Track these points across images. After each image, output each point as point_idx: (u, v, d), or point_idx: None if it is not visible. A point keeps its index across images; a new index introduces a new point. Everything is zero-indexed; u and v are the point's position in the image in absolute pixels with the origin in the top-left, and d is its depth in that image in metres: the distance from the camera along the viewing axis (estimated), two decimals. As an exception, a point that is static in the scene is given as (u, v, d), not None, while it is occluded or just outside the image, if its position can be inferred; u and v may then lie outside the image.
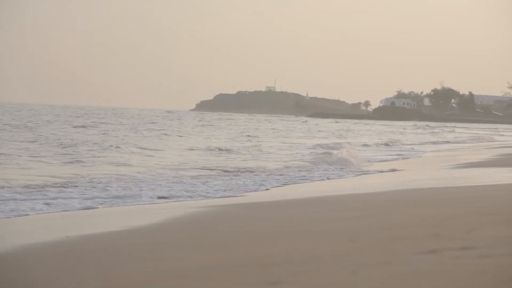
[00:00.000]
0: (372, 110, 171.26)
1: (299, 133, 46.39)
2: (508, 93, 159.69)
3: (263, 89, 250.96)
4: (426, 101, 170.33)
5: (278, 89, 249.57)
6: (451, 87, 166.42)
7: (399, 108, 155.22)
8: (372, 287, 2.97)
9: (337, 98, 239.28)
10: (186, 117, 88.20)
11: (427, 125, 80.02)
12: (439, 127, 70.34)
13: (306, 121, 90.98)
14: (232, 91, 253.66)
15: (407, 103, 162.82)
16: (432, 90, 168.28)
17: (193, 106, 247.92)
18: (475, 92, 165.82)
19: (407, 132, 54.86)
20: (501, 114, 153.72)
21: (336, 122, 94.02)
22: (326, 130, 54.80)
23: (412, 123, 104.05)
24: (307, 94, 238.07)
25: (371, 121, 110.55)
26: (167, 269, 3.84)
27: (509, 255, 3.43)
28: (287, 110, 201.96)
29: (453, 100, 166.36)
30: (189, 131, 41.14)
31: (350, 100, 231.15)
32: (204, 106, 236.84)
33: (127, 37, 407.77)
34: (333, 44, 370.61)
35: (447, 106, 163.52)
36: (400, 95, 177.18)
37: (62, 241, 5.69)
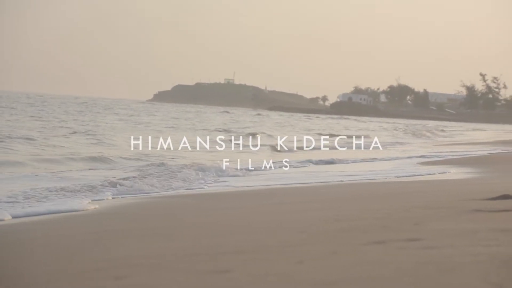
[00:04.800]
0: (330, 105, 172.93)
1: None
2: (461, 91, 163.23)
3: (222, 81, 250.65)
4: (382, 97, 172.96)
5: (237, 82, 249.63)
6: (406, 84, 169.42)
7: (356, 104, 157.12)
8: (317, 276, 3.02)
9: (295, 92, 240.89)
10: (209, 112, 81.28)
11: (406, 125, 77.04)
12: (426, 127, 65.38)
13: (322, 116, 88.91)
14: (191, 82, 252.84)
15: (364, 99, 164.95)
16: (388, 87, 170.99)
17: (151, 97, 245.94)
18: (429, 90, 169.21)
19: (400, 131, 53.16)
20: (453, 112, 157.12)
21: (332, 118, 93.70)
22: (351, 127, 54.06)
23: (367, 118, 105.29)
24: (265, 88, 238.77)
25: (332, 116, 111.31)
26: (116, 257, 3.83)
27: (451, 246, 3.53)
28: (246, 103, 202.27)
29: (408, 97, 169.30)
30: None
31: (308, 94, 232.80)
32: (161, 96, 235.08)
33: (84, 25, 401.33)
34: (292, 38, 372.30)
35: (402, 103, 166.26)
36: (357, 91, 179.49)
37: (16, 226, 5.62)
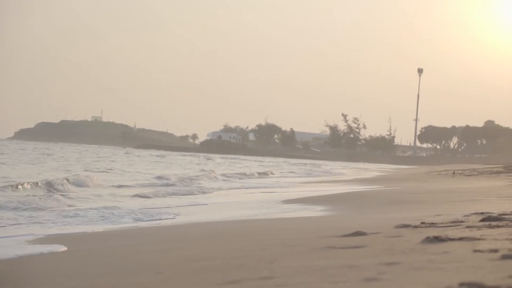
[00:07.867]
0: (200, 143, 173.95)
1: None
2: (325, 131, 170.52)
3: (89, 119, 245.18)
4: (251, 136, 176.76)
5: (105, 119, 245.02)
6: (274, 123, 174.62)
7: (225, 142, 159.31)
8: (167, 318, 2.99)
9: (165, 130, 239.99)
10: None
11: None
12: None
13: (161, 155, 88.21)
14: (55, 119, 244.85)
15: (233, 137, 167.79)
16: (257, 126, 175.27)
17: (12, 134, 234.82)
18: (296, 129, 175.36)
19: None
20: (318, 151, 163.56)
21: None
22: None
23: (243, 157, 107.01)
24: (135, 125, 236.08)
25: (201, 154, 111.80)
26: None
27: (302, 284, 3.63)
28: (114, 140, 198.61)
29: (276, 136, 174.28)
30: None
31: (178, 132, 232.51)
32: (23, 134, 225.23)
33: None
34: (161, 76, 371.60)
35: (270, 141, 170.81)
36: (227, 129, 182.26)
37: None
